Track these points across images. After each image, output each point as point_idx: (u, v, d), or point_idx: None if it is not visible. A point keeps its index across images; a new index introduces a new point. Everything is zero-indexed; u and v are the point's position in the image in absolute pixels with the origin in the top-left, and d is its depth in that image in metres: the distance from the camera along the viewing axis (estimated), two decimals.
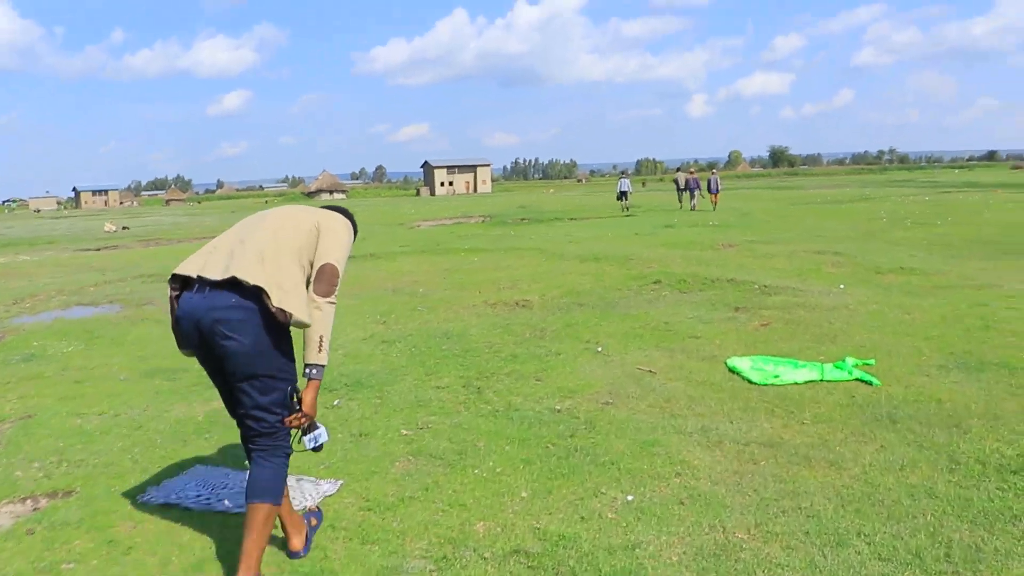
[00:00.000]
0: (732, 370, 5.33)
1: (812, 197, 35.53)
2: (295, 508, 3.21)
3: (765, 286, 8.74)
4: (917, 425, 4.12)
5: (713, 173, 30.05)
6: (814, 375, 5.07)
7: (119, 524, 3.37)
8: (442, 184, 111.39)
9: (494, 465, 3.84)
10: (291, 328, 2.77)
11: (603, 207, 31.51)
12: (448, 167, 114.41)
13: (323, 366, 2.77)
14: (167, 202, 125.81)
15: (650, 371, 5.43)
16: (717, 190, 27.65)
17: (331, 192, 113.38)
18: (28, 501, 3.69)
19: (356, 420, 4.66)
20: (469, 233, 21.58)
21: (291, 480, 3.44)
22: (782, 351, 5.81)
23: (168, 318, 2.87)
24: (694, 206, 27.79)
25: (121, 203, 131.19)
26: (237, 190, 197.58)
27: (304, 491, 3.61)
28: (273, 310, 2.65)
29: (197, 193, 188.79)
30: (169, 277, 2.85)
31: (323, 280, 2.76)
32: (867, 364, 5.30)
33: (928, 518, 3.09)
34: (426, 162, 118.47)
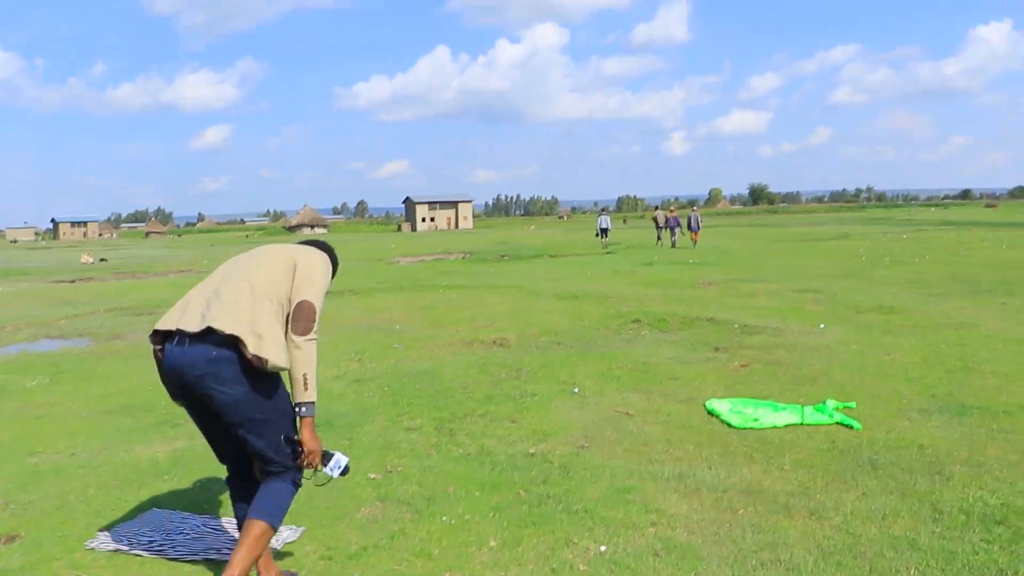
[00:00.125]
0: (711, 413, 5.22)
1: (792, 235, 35.84)
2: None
3: (745, 325, 8.68)
4: (899, 472, 4.02)
5: (694, 210, 30.35)
6: (794, 418, 4.97)
7: (62, 573, 3.18)
8: (424, 220, 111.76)
9: (463, 512, 3.69)
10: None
11: (583, 244, 31.62)
12: (430, 203, 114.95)
13: (312, 403, 2.76)
14: (147, 234, 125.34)
15: (627, 413, 5.31)
16: (698, 228, 27.88)
17: (312, 227, 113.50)
18: None
19: None
20: (448, 270, 21.48)
21: None
22: (762, 393, 5.71)
23: (137, 354, 2.80)
24: (674, 243, 27.96)
25: (100, 235, 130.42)
26: (218, 223, 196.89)
27: None
28: (249, 357, 2.64)
29: (178, 226, 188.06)
30: (150, 334, 2.85)
31: (300, 318, 2.74)
32: (848, 407, 5.21)
33: (911, 572, 2.96)
34: (408, 198, 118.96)
